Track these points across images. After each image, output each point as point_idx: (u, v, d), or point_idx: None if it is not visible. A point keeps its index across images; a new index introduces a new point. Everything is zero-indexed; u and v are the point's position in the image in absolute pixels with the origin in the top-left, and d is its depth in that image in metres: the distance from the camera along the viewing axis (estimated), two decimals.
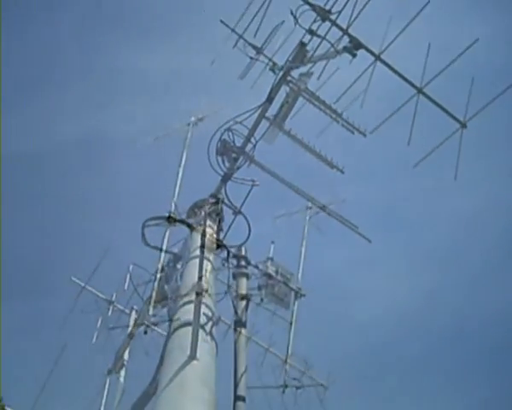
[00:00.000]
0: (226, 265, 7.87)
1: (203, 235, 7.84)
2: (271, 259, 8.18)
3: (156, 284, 7.43)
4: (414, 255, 19.92)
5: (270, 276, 8.06)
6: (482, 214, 19.88)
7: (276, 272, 8.12)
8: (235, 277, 7.84)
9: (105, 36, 21.22)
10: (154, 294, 7.40)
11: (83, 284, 8.98)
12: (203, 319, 6.78)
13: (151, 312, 7.30)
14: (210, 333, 5.96)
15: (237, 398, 7.09)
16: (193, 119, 8.08)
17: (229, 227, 7.87)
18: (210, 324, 6.23)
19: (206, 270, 7.80)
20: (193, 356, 5.19)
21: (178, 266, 7.74)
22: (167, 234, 7.63)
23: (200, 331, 5.79)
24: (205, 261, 7.81)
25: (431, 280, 19.57)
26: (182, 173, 7.83)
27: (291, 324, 8.26)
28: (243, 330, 7.47)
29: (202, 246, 7.82)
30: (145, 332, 7.19)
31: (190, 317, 6.09)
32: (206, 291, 7.64)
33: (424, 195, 19.38)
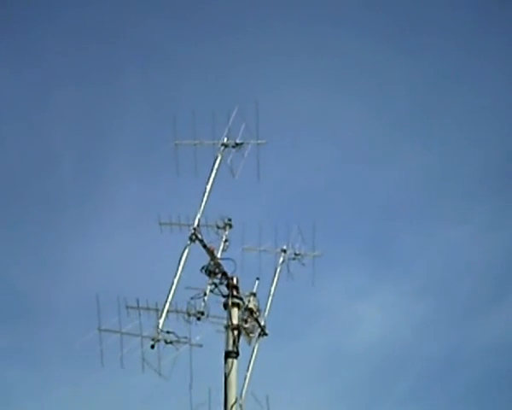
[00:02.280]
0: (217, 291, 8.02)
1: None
2: (254, 294, 8.37)
3: (170, 296, 7.34)
4: (405, 286, 20.22)
5: (251, 311, 8.26)
6: (473, 243, 20.18)
7: (258, 309, 8.34)
8: (226, 306, 7.94)
9: None
10: (166, 306, 7.30)
11: None
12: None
13: (161, 325, 7.19)
14: None
15: None
16: (226, 139, 8.04)
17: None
18: None
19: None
20: None
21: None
22: (187, 251, 7.59)
23: None
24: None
25: (423, 310, 19.37)
26: (209, 191, 7.80)
27: (250, 361, 8.43)
28: (234, 361, 7.61)
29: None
30: (152, 346, 7.08)
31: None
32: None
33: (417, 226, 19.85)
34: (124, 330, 7.25)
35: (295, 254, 9.14)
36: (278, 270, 9.09)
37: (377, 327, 19.40)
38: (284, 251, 9.17)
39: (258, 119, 7.70)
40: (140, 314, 7.28)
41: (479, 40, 21.45)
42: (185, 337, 7.04)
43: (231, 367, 7.56)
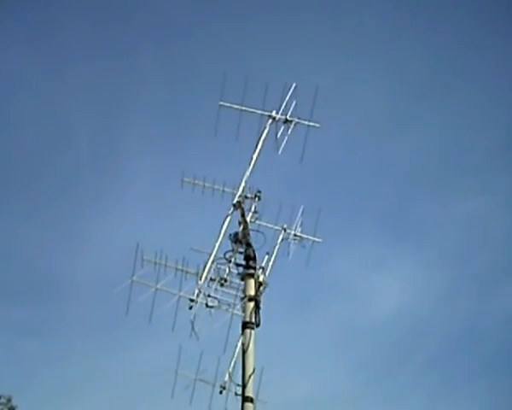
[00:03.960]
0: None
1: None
2: (263, 268, 8.43)
3: (210, 262, 7.24)
4: (423, 257, 19.32)
5: (260, 284, 8.33)
6: (491, 214, 20.05)
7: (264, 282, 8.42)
8: (243, 278, 7.93)
9: None
10: (206, 270, 7.21)
11: None
12: None
13: (199, 286, 7.11)
14: None
15: (246, 399, 7.28)
16: (275, 114, 7.95)
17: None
18: None
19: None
20: None
21: None
22: (228, 219, 7.51)
23: None
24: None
25: (441, 281, 19.34)
26: (254, 162, 7.73)
27: None
28: (252, 332, 7.64)
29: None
30: (190, 307, 6.99)
31: None
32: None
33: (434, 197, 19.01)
34: (158, 286, 7.09)
35: (295, 236, 9.28)
36: (277, 247, 9.18)
37: (395, 298, 19.15)
38: (284, 230, 9.28)
39: (315, 101, 7.73)
40: (181, 275, 7.12)
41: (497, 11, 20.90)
42: (228, 305, 7.00)
43: (249, 338, 7.60)
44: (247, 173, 7.75)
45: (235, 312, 7.12)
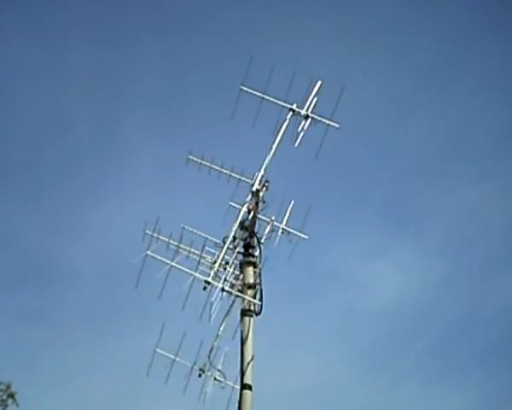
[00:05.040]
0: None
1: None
2: (256, 257, 8.44)
3: (225, 248, 7.20)
4: (422, 245, 18.85)
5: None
6: (490, 203, 19.78)
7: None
8: (241, 266, 7.91)
9: None
10: (221, 255, 7.16)
11: None
12: None
13: (215, 269, 7.06)
14: None
15: (244, 386, 7.28)
16: (296, 107, 7.91)
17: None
18: None
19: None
20: None
21: None
22: (244, 208, 7.47)
23: None
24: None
25: (440, 270, 19.18)
26: (274, 152, 7.70)
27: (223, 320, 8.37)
28: (251, 319, 7.63)
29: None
30: (204, 288, 6.95)
31: None
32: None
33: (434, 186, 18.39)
34: (173, 264, 6.98)
35: (282, 229, 9.32)
36: (264, 238, 9.21)
37: (395, 286, 19.08)
38: (272, 221, 9.31)
39: (339, 101, 7.79)
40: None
41: None
42: (241, 290, 6.98)
43: (248, 325, 7.60)
44: (267, 162, 7.73)
45: (247, 298, 7.10)
